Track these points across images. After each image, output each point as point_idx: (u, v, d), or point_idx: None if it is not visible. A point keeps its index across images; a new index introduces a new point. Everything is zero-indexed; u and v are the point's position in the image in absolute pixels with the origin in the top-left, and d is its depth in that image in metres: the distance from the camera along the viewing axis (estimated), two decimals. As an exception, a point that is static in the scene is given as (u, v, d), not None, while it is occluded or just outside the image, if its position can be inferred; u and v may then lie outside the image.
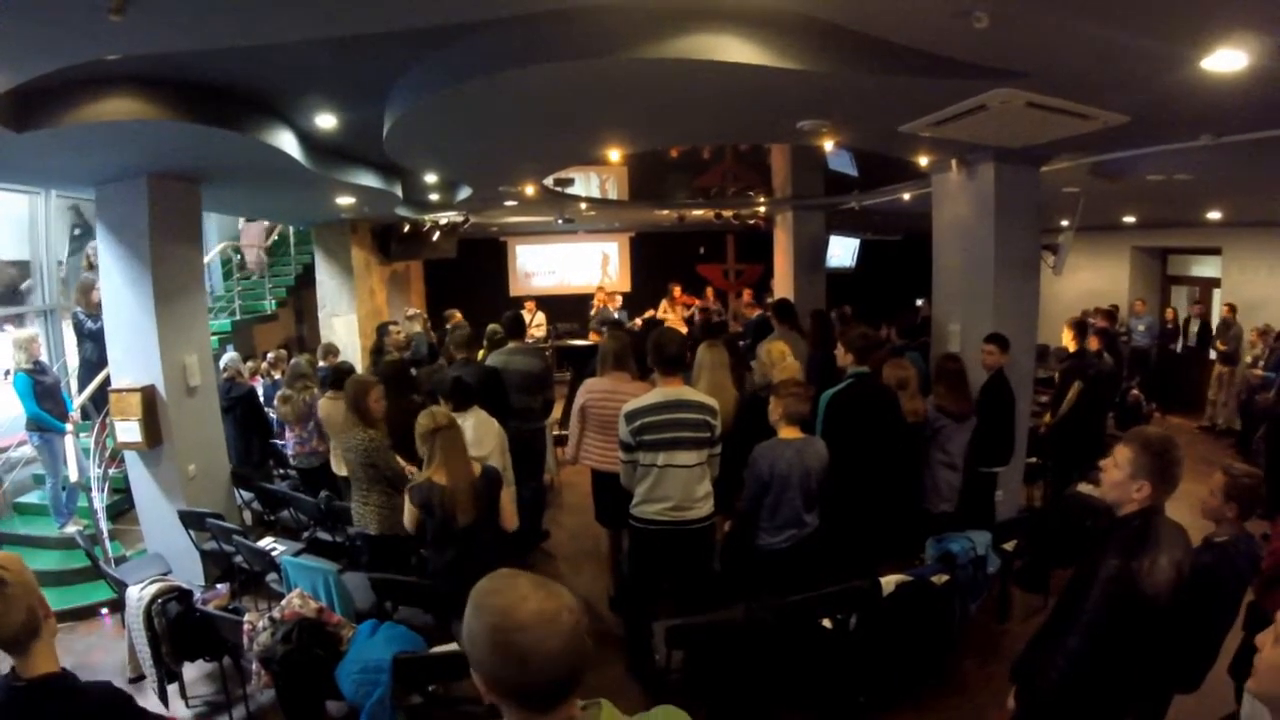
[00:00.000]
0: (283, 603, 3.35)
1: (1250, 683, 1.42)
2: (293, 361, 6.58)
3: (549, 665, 1.11)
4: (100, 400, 5.83)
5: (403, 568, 4.03)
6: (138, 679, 3.84)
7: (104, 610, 4.90)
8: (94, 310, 6.06)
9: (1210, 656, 2.70)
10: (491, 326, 6.33)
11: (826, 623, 3.51)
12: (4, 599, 1.66)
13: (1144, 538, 2.01)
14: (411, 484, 3.41)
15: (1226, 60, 2.79)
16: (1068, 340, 6.45)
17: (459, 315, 9.79)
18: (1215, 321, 9.74)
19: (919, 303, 9.44)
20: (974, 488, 4.67)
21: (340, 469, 4.91)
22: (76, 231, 7.68)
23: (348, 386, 4.22)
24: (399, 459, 4.08)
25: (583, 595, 4.97)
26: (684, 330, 9.37)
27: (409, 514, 3.42)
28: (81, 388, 6.29)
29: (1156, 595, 1.94)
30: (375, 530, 4.06)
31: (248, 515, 5.89)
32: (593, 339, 10.67)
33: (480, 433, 4.17)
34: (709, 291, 13.12)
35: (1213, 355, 9.40)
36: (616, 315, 11.03)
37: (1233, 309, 9.31)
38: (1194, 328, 10.16)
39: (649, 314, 12.11)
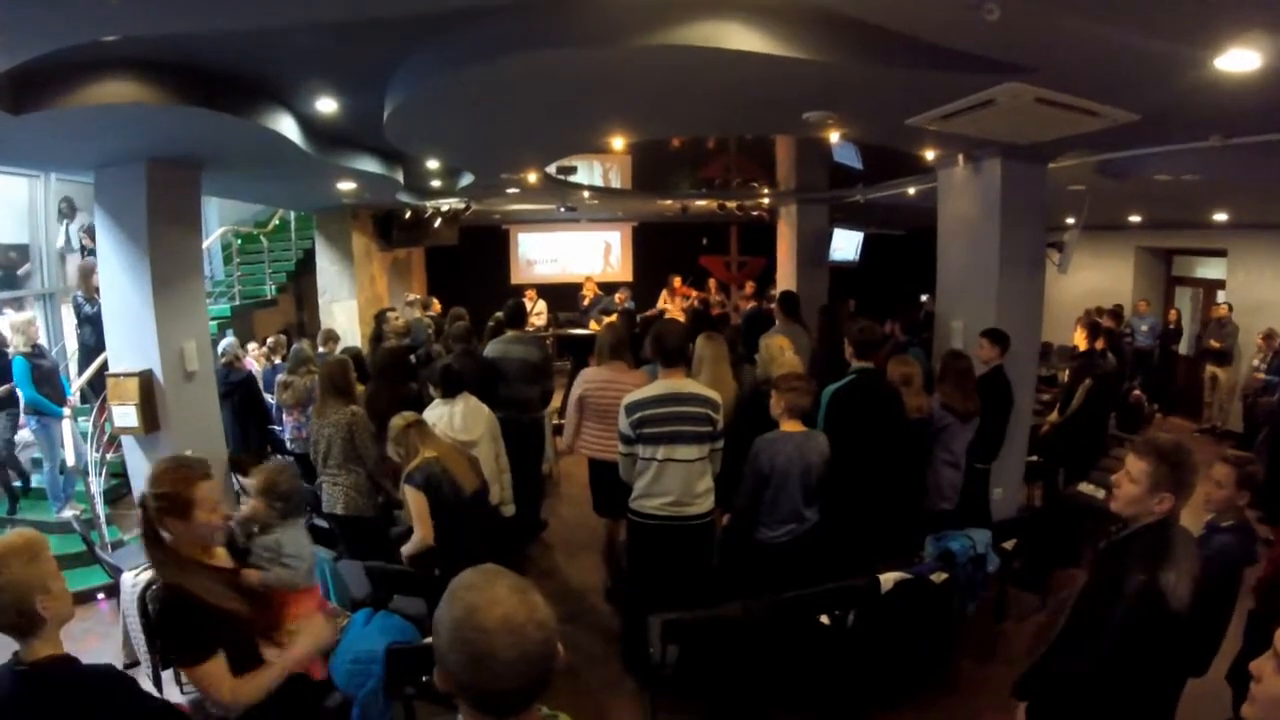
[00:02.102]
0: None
1: (1246, 708, 1.38)
2: (294, 347, 6.55)
3: (503, 674, 1.08)
4: (99, 384, 5.81)
5: (375, 547, 4.07)
6: (132, 665, 3.82)
7: (100, 596, 4.89)
8: (93, 294, 6.04)
9: (1219, 639, 2.72)
10: (496, 315, 6.31)
11: (824, 619, 3.50)
12: None
13: (1166, 549, 1.95)
14: (406, 473, 3.40)
15: (1239, 60, 2.74)
16: (1079, 339, 6.42)
17: (438, 304, 9.83)
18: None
19: (923, 298, 9.40)
20: (968, 484, 4.65)
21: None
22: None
23: (323, 369, 4.34)
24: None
25: (579, 586, 4.97)
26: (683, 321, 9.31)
27: (416, 505, 3.39)
28: (80, 372, 6.27)
29: (1182, 609, 1.90)
30: (342, 510, 4.15)
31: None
32: (593, 328, 10.63)
33: (470, 420, 4.22)
34: (711, 283, 13.06)
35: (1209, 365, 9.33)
36: (627, 307, 10.97)
37: (1229, 308, 9.28)
38: (1206, 329, 10.07)
39: (651, 313, 12.01)
